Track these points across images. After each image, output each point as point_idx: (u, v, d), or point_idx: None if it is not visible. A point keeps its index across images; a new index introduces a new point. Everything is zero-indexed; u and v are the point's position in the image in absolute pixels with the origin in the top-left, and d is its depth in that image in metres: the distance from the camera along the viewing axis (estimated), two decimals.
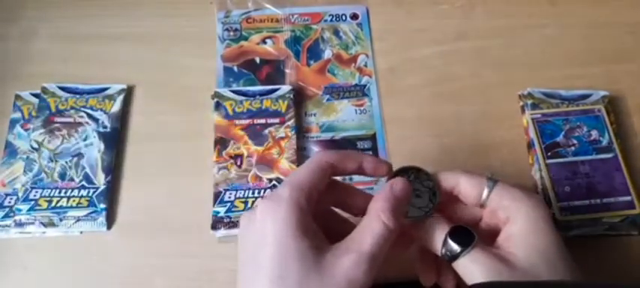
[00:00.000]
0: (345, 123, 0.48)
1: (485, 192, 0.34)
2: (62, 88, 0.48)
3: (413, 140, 0.48)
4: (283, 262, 0.29)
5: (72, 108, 0.47)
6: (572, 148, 0.45)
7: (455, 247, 0.32)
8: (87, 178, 0.44)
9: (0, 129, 0.47)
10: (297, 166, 0.45)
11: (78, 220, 0.42)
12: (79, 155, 0.45)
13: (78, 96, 0.47)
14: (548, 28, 0.53)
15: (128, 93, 0.49)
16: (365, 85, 0.50)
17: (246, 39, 0.52)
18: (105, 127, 0.46)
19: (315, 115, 0.49)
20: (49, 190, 0.43)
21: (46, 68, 0.50)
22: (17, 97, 0.48)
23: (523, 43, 0.52)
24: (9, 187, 0.44)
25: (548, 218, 0.33)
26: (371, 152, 0.47)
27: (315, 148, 0.47)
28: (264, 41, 0.52)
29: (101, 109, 0.47)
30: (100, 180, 0.44)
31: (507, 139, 0.48)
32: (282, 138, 0.46)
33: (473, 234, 0.32)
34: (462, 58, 0.52)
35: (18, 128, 0.46)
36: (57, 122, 0.46)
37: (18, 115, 0.47)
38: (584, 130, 0.46)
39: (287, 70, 0.50)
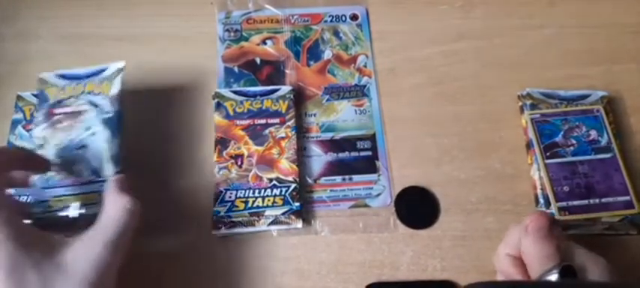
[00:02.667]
0: (345, 123, 0.48)
1: None
2: (61, 76, 0.45)
3: (413, 140, 0.48)
4: (17, 279, 0.31)
5: (71, 96, 0.43)
6: (571, 148, 0.45)
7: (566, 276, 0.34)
8: (94, 171, 0.40)
9: (1, 130, 0.47)
10: (298, 166, 0.45)
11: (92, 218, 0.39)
12: (83, 147, 0.41)
13: (76, 82, 0.44)
14: (548, 28, 0.53)
15: (129, 93, 0.49)
16: (365, 86, 0.50)
17: (246, 39, 0.52)
18: (107, 112, 0.42)
19: (315, 115, 0.49)
20: (58, 189, 0.40)
21: (45, 68, 0.50)
22: (19, 97, 0.48)
23: (523, 43, 0.53)
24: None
25: (609, 272, 0.34)
26: (371, 152, 0.47)
27: (315, 148, 0.47)
28: (264, 42, 0.52)
29: (101, 94, 0.43)
30: (109, 171, 0.40)
31: (506, 139, 0.48)
32: (282, 138, 0.46)
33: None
34: (462, 58, 0.52)
35: (20, 129, 0.46)
36: (58, 114, 0.42)
37: (20, 115, 0.47)
38: (583, 130, 0.46)
39: (287, 71, 0.51)
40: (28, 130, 0.46)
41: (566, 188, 0.44)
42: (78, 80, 0.44)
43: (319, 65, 0.51)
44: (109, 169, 0.40)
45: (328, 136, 0.48)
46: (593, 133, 0.46)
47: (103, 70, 0.45)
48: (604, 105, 0.47)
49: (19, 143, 0.46)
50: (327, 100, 0.49)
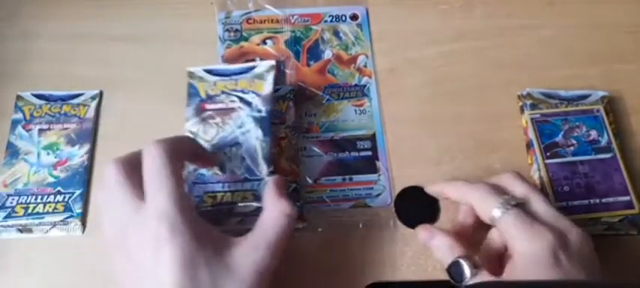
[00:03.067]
0: (345, 123, 0.48)
1: (497, 214, 0.35)
2: (209, 71, 0.44)
3: (413, 140, 0.48)
4: (191, 274, 0.29)
5: (222, 92, 0.43)
6: (571, 148, 0.45)
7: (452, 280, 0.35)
8: (248, 169, 0.40)
9: (1, 130, 0.47)
10: (297, 166, 0.45)
11: (246, 215, 0.40)
12: (237, 145, 0.41)
13: (226, 78, 0.43)
14: (548, 29, 0.53)
15: (128, 92, 0.49)
16: (365, 86, 0.50)
17: (246, 40, 0.52)
18: (259, 110, 0.42)
19: (315, 115, 0.49)
20: (212, 185, 0.40)
21: (46, 68, 0.50)
22: (18, 97, 0.48)
23: (523, 43, 0.53)
24: (10, 188, 0.44)
25: (546, 252, 0.33)
26: (371, 152, 0.47)
27: (315, 148, 0.47)
28: (264, 42, 0.52)
29: (253, 91, 0.42)
30: (263, 171, 0.40)
31: (507, 139, 0.48)
32: (282, 138, 0.46)
33: (470, 270, 0.34)
34: (462, 58, 0.52)
35: (19, 129, 0.47)
36: (209, 110, 0.42)
37: (19, 115, 0.47)
38: (583, 130, 0.46)
39: (287, 71, 0.51)
40: (27, 130, 0.46)
41: (566, 188, 0.44)
42: (228, 76, 0.44)
43: (319, 65, 0.51)
44: (263, 169, 0.40)
45: (328, 136, 0.48)
46: (594, 133, 0.46)
47: (252, 68, 0.44)
48: (604, 105, 0.47)
49: (18, 143, 0.46)
50: (327, 100, 0.49)
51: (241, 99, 0.42)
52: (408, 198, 0.45)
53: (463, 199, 0.39)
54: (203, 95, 0.43)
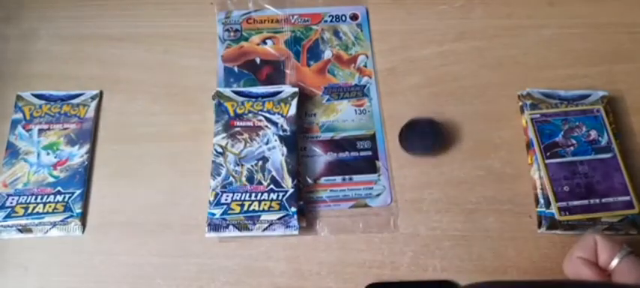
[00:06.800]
0: (345, 123, 0.48)
1: (616, 261, 0.38)
2: (237, 93, 0.47)
3: None
4: None
5: (250, 112, 0.46)
6: (571, 148, 0.45)
7: None
8: (274, 181, 0.44)
9: (1, 130, 0.47)
10: (298, 166, 0.45)
11: (271, 224, 0.42)
12: (264, 159, 0.44)
13: (254, 99, 0.47)
14: (548, 29, 0.53)
15: (127, 92, 0.49)
16: (365, 86, 0.50)
17: (246, 39, 0.52)
18: (284, 130, 0.46)
19: (315, 115, 0.49)
20: (240, 194, 0.43)
21: (46, 68, 0.51)
22: (18, 97, 0.48)
23: (522, 43, 0.53)
24: (10, 188, 0.44)
25: None
26: (370, 152, 0.47)
27: (315, 148, 0.47)
28: (264, 42, 0.52)
29: (278, 113, 0.46)
30: (288, 183, 0.43)
31: (507, 139, 0.48)
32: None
33: None
34: (462, 58, 0.52)
35: (19, 129, 0.47)
36: (237, 126, 0.46)
37: (19, 115, 0.47)
38: (583, 130, 0.46)
39: (287, 71, 0.51)
40: (27, 130, 0.46)
41: (566, 188, 0.44)
42: (255, 98, 0.47)
43: (319, 65, 0.51)
44: (288, 182, 0.43)
45: (328, 136, 0.48)
46: (594, 133, 0.46)
47: (278, 93, 0.48)
48: (604, 105, 0.47)
49: (18, 143, 0.46)
50: (327, 100, 0.49)
51: (268, 119, 0.46)
52: (414, 128, 0.47)
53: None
54: (232, 113, 0.46)
